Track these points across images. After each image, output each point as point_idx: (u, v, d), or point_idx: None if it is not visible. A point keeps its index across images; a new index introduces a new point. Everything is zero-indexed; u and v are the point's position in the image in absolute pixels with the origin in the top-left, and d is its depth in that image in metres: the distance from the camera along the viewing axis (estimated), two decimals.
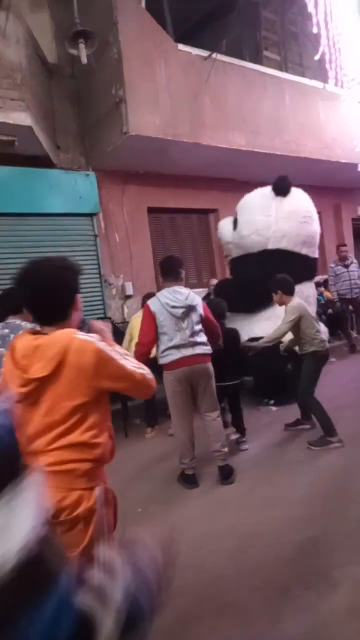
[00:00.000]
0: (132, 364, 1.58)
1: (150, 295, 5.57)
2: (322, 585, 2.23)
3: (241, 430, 4.35)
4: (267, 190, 5.93)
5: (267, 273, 4.54)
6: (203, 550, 2.67)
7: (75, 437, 1.46)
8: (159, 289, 7.20)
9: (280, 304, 4.27)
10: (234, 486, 3.47)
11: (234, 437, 4.35)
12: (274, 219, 5.71)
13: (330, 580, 2.25)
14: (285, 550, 2.55)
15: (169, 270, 3.72)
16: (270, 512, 2.99)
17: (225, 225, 6.35)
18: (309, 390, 4.12)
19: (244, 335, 4.78)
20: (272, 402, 5.47)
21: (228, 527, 2.88)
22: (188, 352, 3.46)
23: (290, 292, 4.26)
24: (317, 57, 7.37)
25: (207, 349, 3.58)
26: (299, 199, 5.98)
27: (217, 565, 2.51)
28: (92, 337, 1.53)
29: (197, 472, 3.65)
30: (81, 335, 1.51)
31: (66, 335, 1.50)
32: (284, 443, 4.27)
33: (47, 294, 1.56)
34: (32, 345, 1.48)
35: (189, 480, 3.62)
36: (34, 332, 1.57)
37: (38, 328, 1.62)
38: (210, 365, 3.60)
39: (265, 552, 2.57)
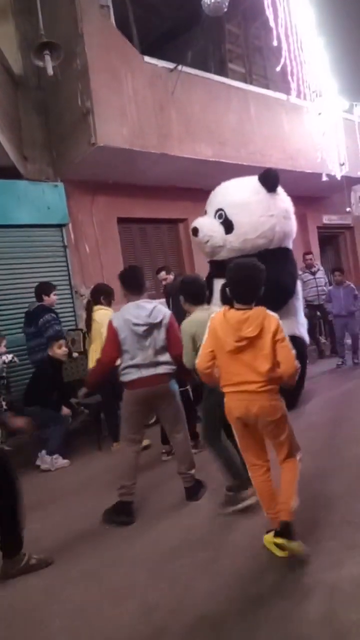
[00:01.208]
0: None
1: (100, 287, 5.34)
2: (297, 593, 2.26)
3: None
4: (254, 184, 5.37)
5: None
6: (177, 562, 2.68)
7: (273, 373, 2.48)
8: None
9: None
10: (206, 496, 3.48)
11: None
12: (276, 218, 5.29)
13: (304, 588, 2.29)
14: (259, 559, 2.58)
15: (132, 283, 3.48)
16: (243, 521, 3.02)
17: (213, 228, 5.43)
18: (210, 433, 3.26)
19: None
20: None
21: (201, 538, 2.90)
22: (149, 372, 3.28)
23: (197, 302, 3.39)
24: (278, 69, 7.59)
25: (170, 368, 3.38)
26: (284, 194, 5.58)
27: (192, 578, 2.51)
28: (276, 315, 2.54)
29: (135, 501, 3.35)
30: (269, 312, 2.54)
31: (263, 311, 2.53)
32: None
33: (257, 285, 2.59)
34: (242, 317, 2.50)
35: (124, 510, 3.25)
36: (237, 309, 2.56)
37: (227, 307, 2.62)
38: (171, 384, 3.40)
39: (240, 562, 2.59)
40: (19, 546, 2.79)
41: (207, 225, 5.46)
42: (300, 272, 8.39)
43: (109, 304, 5.18)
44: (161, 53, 7.11)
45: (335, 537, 2.66)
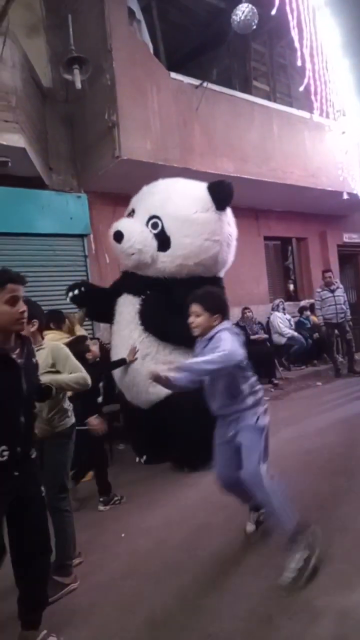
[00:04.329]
0: None
1: (55, 312, 4.48)
2: (306, 615, 2.21)
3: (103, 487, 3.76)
4: (203, 196, 4.25)
5: None
6: (185, 577, 2.65)
7: None
8: None
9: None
10: (213, 514, 3.44)
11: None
12: (219, 245, 4.31)
13: (314, 610, 2.24)
14: (269, 578, 2.54)
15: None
16: (252, 540, 2.98)
17: (144, 240, 4.24)
18: None
19: None
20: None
21: (210, 554, 2.86)
22: None
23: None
24: (301, 89, 7.63)
25: None
26: (230, 214, 4.54)
27: (200, 595, 2.48)
28: None
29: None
30: None
31: None
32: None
33: None
34: None
35: None
36: None
37: None
38: None
39: (249, 581, 2.55)
40: None
41: (137, 233, 4.24)
42: (319, 290, 8.37)
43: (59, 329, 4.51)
44: (187, 70, 7.23)
45: (348, 561, 2.60)
